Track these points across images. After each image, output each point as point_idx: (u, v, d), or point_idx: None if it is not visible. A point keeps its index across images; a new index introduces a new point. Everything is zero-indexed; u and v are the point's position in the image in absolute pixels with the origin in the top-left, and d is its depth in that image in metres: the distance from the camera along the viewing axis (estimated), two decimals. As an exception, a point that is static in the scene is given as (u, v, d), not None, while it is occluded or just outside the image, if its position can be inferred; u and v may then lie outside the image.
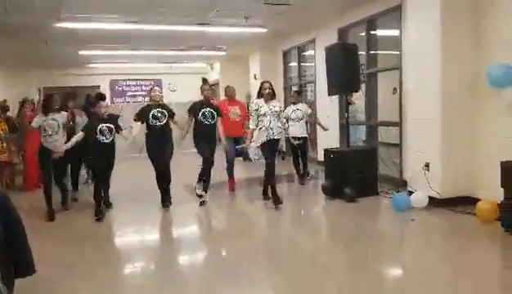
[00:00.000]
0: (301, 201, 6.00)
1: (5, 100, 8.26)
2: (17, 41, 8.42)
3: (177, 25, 7.56)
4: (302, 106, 6.77)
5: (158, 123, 5.24)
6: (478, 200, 4.38)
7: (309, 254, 3.80)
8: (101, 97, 5.76)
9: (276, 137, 5.21)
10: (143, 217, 5.12)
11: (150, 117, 5.23)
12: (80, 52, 10.26)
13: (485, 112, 4.63)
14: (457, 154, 4.78)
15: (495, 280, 3.16)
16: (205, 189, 5.62)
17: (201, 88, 5.78)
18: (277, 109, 5.25)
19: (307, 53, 9.43)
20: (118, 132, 5.19)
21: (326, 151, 5.95)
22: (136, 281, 3.37)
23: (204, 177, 5.59)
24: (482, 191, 4.56)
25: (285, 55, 10.26)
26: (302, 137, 6.50)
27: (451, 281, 3.12)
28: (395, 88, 6.27)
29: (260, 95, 5.26)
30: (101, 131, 5.02)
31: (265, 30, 8.16)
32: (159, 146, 5.26)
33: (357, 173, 5.49)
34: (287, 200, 5.19)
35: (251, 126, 5.26)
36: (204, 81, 6.17)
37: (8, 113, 7.29)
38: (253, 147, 5.24)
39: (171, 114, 5.39)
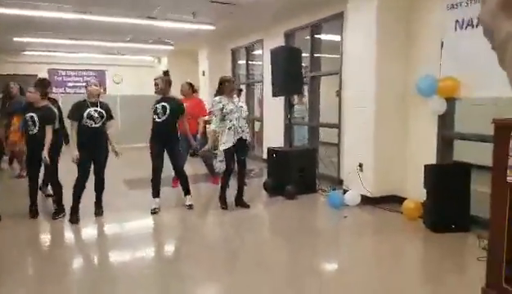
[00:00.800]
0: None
1: None
2: None
3: (122, 17, 7.36)
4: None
5: (93, 124, 4.59)
6: (405, 199, 4.76)
7: (249, 250, 3.92)
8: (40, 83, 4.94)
9: (245, 137, 4.92)
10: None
11: (85, 116, 4.56)
12: (15, 39, 9.63)
13: (413, 118, 5.04)
14: (388, 157, 5.15)
15: (415, 269, 3.51)
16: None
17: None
18: (243, 105, 5.05)
19: (255, 52, 9.58)
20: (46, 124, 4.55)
21: (269, 150, 6.13)
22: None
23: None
24: (409, 191, 4.95)
25: (234, 53, 10.34)
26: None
27: (377, 271, 3.40)
28: (337, 91, 6.60)
29: (221, 91, 4.90)
30: (26, 121, 4.56)
31: (213, 28, 8.18)
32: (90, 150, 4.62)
33: (297, 171, 5.72)
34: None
35: (213, 127, 4.90)
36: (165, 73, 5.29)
37: None
38: (219, 155, 4.89)
39: (109, 117, 4.74)
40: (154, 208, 4.95)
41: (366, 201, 5.17)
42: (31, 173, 4.74)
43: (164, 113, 4.86)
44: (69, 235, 4.41)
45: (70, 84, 14.49)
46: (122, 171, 7.14)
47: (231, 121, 4.78)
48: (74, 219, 4.56)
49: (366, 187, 5.17)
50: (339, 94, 6.41)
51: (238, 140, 4.83)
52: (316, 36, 7.00)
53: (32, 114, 4.55)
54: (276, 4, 6.55)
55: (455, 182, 4.12)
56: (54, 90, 14.10)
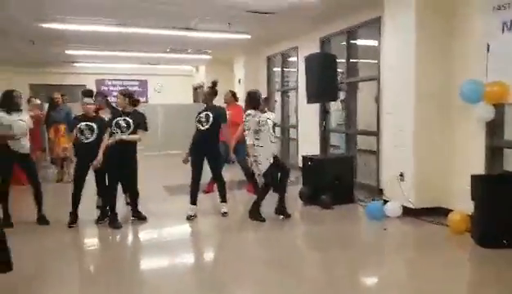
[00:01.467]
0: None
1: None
2: (5, 39, 8.33)
3: (162, 29, 7.58)
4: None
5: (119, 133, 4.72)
6: (451, 211, 4.49)
7: (284, 261, 3.82)
8: (88, 93, 5.33)
9: (275, 152, 4.97)
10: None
11: (113, 125, 4.75)
12: (67, 51, 10.21)
13: (458, 125, 4.76)
14: (430, 166, 4.89)
15: (463, 288, 3.26)
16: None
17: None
18: (270, 116, 5.03)
19: (290, 59, 9.52)
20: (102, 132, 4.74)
21: (304, 158, 6.02)
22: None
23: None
24: (455, 203, 4.66)
25: (269, 60, 10.33)
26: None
27: (421, 290, 3.19)
28: (376, 97, 6.39)
29: (255, 105, 4.85)
30: (81, 131, 4.72)
31: (248, 36, 8.22)
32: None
33: (333, 180, 5.57)
34: (265, 205, 5.20)
35: (250, 142, 4.75)
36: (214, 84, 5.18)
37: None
38: (261, 170, 4.78)
39: (137, 125, 4.79)
40: (190, 215, 5.03)
41: (407, 212, 4.93)
42: (79, 181, 4.78)
43: (207, 122, 4.90)
44: (107, 239, 4.55)
45: (115, 93, 15.15)
46: (163, 177, 7.30)
47: (267, 137, 4.76)
48: (117, 224, 4.72)
49: (408, 197, 4.93)
50: (377, 100, 6.20)
51: (274, 157, 4.82)
52: (352, 41, 6.83)
53: (89, 123, 4.74)
54: (311, 11, 6.46)
55: (506, 193, 3.82)
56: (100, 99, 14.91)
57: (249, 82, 10.75)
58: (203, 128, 4.90)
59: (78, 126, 4.74)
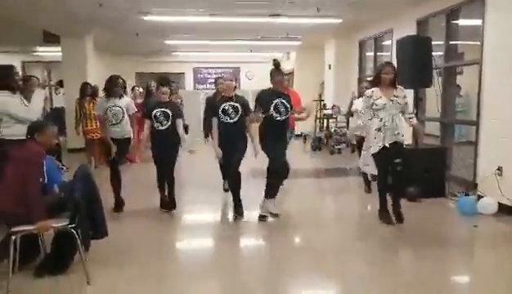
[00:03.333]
0: (364, 196, 5.86)
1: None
2: (112, 32, 9.43)
3: (251, 17, 7.83)
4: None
5: (229, 120, 4.47)
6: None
7: (371, 255, 3.72)
8: (162, 82, 4.95)
9: (399, 139, 4.18)
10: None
11: (220, 112, 4.47)
12: (166, 41, 11.13)
13: None
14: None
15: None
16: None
17: (271, 72, 4.53)
18: (401, 100, 4.15)
19: (384, 43, 9.07)
20: (176, 119, 4.67)
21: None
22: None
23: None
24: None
25: (361, 45, 9.97)
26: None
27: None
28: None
29: (377, 82, 4.21)
30: (156, 117, 4.62)
31: (339, 21, 8.05)
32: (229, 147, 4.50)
33: (422, 172, 5.28)
34: (351, 197, 5.11)
35: (360, 122, 4.44)
36: (277, 65, 4.53)
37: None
38: (365, 156, 4.36)
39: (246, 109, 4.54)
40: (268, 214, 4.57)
41: (504, 210, 4.50)
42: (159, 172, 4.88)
43: (286, 111, 4.46)
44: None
45: (210, 81, 16.11)
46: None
47: (381, 120, 4.12)
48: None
49: (506, 194, 4.48)
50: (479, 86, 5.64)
51: (393, 143, 4.14)
52: (453, 22, 6.26)
53: (164, 109, 4.65)
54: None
55: None
56: (197, 86, 16.01)
57: (339, 67, 10.55)
58: (281, 118, 4.41)
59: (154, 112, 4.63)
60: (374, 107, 4.11)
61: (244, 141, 4.58)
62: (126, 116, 4.82)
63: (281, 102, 4.40)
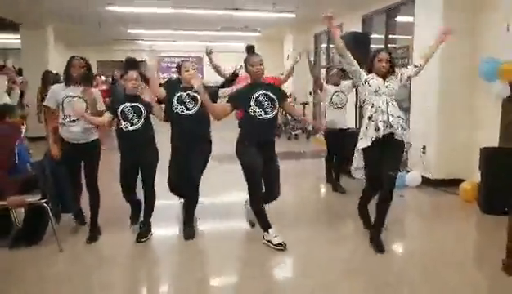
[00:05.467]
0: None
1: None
2: (74, 22, 9.54)
3: (212, 10, 8.25)
4: (344, 88, 5.14)
5: (186, 111, 3.64)
6: (466, 182, 4.77)
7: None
8: (133, 64, 4.20)
9: (400, 135, 3.25)
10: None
11: (175, 101, 3.64)
12: (129, 31, 11.32)
13: (479, 102, 4.96)
14: (450, 140, 5.16)
15: (450, 246, 3.66)
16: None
17: (247, 62, 3.51)
18: (396, 86, 3.36)
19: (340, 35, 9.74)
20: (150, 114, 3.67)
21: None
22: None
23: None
24: (472, 174, 4.92)
25: (316, 37, 10.63)
26: (346, 129, 5.17)
27: (421, 247, 3.66)
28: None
29: (370, 68, 3.47)
30: (123, 114, 3.53)
31: (294, 15, 8.63)
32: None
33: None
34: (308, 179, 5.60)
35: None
36: (250, 49, 3.75)
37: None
38: (358, 156, 3.41)
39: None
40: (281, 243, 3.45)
41: (427, 183, 5.28)
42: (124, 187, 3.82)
43: (273, 106, 3.51)
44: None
45: (174, 69, 16.35)
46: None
47: (372, 105, 3.28)
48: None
49: (428, 169, 5.25)
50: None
51: (386, 136, 3.22)
52: (392, 19, 7.00)
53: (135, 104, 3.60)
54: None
55: (510, 166, 4.05)
56: (161, 75, 16.20)
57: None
58: (266, 117, 3.38)
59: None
60: (366, 86, 3.34)
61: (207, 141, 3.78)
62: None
63: (265, 94, 3.39)
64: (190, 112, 3.63)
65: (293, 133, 10.15)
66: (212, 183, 4.50)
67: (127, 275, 3.21)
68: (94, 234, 3.71)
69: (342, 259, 3.33)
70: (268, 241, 3.46)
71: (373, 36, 7.56)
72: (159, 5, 7.83)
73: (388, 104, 3.25)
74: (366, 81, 3.38)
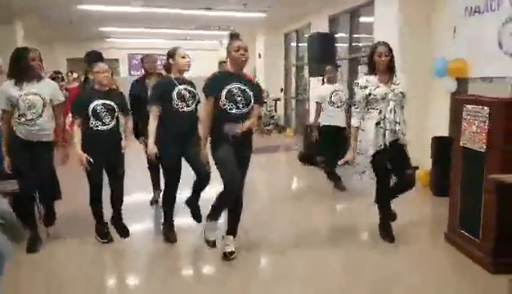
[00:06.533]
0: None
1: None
2: (44, 19, 9.51)
3: (184, 9, 8.48)
4: (341, 86, 5.12)
5: (186, 108, 3.39)
6: (421, 170, 5.27)
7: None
8: (100, 57, 3.98)
9: (401, 138, 3.27)
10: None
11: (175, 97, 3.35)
12: (101, 28, 11.34)
13: (433, 96, 5.48)
14: (409, 131, 5.62)
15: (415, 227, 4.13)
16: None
17: (229, 47, 3.12)
18: (402, 88, 3.26)
19: (305, 35, 10.19)
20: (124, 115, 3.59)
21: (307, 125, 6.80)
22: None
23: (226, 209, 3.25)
24: (427, 163, 5.44)
25: (286, 36, 11.05)
26: (343, 127, 4.96)
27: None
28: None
29: (371, 68, 3.29)
30: (95, 113, 3.30)
31: (264, 15, 8.99)
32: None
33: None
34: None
35: (355, 123, 3.34)
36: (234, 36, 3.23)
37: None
38: (362, 159, 3.33)
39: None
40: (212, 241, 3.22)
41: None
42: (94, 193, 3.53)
43: (247, 102, 3.17)
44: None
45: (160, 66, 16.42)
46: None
47: (380, 112, 3.20)
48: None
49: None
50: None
51: (393, 142, 3.24)
52: (355, 19, 7.48)
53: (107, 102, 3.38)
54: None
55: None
56: (132, 72, 16.18)
57: (268, 56, 11.57)
58: (237, 112, 3.03)
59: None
60: (371, 98, 3.20)
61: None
62: (48, 108, 3.35)
63: (239, 88, 3.01)
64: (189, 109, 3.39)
65: (265, 128, 10.53)
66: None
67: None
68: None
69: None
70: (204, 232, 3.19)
71: (339, 35, 8.06)
72: (131, 4, 7.99)
73: (395, 111, 3.21)
74: (369, 94, 3.21)
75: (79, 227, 3.91)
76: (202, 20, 9.97)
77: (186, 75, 3.57)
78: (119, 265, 3.47)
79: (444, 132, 5.08)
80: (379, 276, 3.00)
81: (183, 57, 3.41)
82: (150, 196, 4.67)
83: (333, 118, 4.94)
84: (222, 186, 3.01)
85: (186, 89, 3.38)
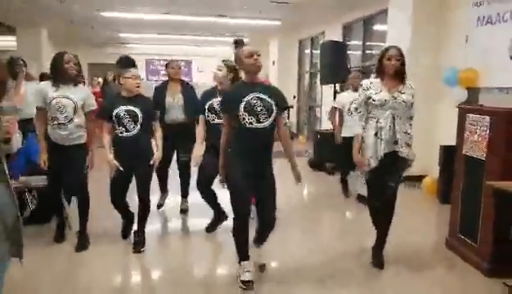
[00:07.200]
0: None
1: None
2: (68, 24, 9.90)
3: (201, 16, 8.74)
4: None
5: (216, 120, 3.48)
6: (430, 178, 5.32)
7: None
8: (133, 63, 3.83)
9: (401, 150, 2.95)
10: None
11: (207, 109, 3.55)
12: (121, 34, 11.72)
13: (442, 105, 5.53)
14: (418, 139, 5.68)
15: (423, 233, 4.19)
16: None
17: (237, 56, 2.86)
18: (406, 97, 2.98)
19: (320, 43, 10.33)
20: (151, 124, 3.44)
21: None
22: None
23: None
24: (430, 170, 5.47)
25: (301, 43, 11.21)
26: None
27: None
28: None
29: (379, 71, 3.04)
30: (118, 119, 3.26)
31: (279, 23, 9.17)
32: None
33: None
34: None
35: (357, 131, 3.10)
36: (239, 43, 3.45)
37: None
38: (362, 173, 3.21)
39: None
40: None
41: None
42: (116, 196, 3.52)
43: (268, 113, 2.84)
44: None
45: (163, 72, 16.82)
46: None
47: (378, 121, 2.95)
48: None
49: (398, 166, 5.78)
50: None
51: (388, 154, 2.93)
52: (369, 27, 7.59)
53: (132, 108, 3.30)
54: (332, 1, 7.29)
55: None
56: (150, 77, 16.59)
57: (282, 63, 11.72)
58: (259, 126, 2.71)
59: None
60: (370, 102, 2.97)
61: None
62: (80, 114, 3.35)
63: (257, 98, 2.72)
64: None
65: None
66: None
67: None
68: (83, 242, 3.48)
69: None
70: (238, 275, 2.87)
71: (353, 42, 8.18)
72: (153, 12, 8.28)
73: (394, 118, 2.91)
74: (369, 98, 2.96)
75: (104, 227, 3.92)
76: (217, 27, 10.20)
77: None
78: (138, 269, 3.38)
79: (453, 141, 5.11)
80: (376, 280, 3.06)
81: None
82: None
83: (351, 128, 4.32)
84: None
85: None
